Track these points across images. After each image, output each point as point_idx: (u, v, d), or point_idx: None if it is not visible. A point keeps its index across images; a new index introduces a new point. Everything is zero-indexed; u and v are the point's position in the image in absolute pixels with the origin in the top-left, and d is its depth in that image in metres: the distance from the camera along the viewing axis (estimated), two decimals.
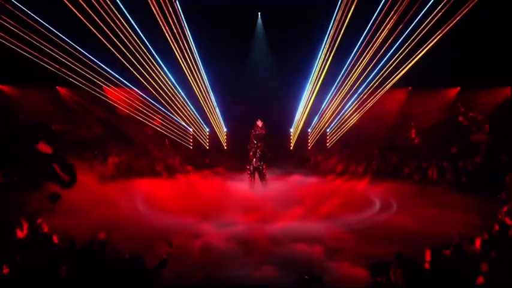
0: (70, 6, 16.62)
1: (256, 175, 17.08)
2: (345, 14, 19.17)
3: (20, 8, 16.74)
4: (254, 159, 16.67)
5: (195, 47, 20.49)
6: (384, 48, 19.18)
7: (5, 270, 9.17)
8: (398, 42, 18.95)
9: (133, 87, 20.29)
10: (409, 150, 20.13)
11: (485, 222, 12.20)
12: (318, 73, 20.89)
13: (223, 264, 10.76)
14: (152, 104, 20.77)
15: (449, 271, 9.50)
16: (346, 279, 10.05)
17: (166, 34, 19.35)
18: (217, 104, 21.92)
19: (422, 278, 9.30)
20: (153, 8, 18.58)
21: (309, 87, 21.43)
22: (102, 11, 17.46)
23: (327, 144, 22.01)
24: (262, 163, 16.66)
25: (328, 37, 20.09)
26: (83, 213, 13.38)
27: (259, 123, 16.93)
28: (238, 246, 11.80)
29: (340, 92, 20.84)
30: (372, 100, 20.71)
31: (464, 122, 20.67)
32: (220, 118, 22.16)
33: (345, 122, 21.49)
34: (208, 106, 21.74)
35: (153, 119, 21.27)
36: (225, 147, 22.27)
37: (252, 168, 16.72)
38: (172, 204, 15.41)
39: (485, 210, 13.41)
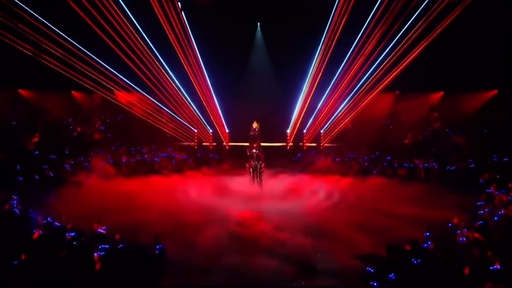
0: (87, 20, 17.13)
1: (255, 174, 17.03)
2: (337, 24, 19.34)
3: (40, 20, 17.10)
4: (252, 159, 16.61)
5: (200, 54, 20.71)
6: (373, 56, 19.36)
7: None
8: (387, 50, 19.17)
9: (143, 92, 20.32)
10: (397, 150, 20.01)
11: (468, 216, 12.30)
12: (313, 78, 20.99)
13: (224, 254, 10.83)
14: (160, 107, 20.82)
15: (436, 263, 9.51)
16: (339, 269, 10.09)
17: (173, 43, 19.55)
18: (220, 107, 21.93)
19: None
20: (160, 19, 18.73)
21: (304, 91, 21.50)
22: (115, 23, 17.92)
23: (321, 145, 21.97)
24: (260, 162, 16.60)
25: (322, 46, 20.32)
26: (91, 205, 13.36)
27: (254, 125, 16.89)
28: (237, 239, 11.84)
29: (334, 96, 20.89)
30: (362, 103, 20.69)
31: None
32: (223, 120, 22.14)
33: (337, 123, 21.46)
34: (211, 109, 21.77)
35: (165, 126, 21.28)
36: (227, 147, 22.24)
37: (251, 168, 16.68)
38: (177, 198, 15.46)
39: (468, 205, 13.48)
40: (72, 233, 10.77)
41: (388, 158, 18.93)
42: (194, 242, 11.47)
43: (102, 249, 9.95)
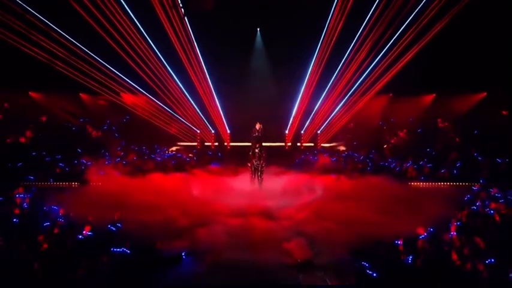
0: (97, 27, 17.57)
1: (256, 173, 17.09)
2: (333, 30, 19.49)
3: (51, 26, 17.55)
4: (254, 159, 16.67)
5: (202, 58, 20.95)
6: (368, 60, 19.61)
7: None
8: (380, 55, 19.41)
9: (149, 95, 20.45)
10: (390, 150, 20.06)
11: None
12: (310, 81, 21.13)
13: (225, 250, 10.86)
14: (165, 109, 20.92)
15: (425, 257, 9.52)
16: (335, 263, 10.16)
17: (177, 48, 19.78)
18: (221, 108, 22.06)
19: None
20: (164, 25, 18.90)
21: (302, 94, 21.62)
22: (122, 30, 18.30)
23: (318, 144, 22.04)
24: (261, 162, 16.68)
25: (319, 50, 20.61)
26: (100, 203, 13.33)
27: (258, 126, 16.94)
28: (238, 235, 11.82)
29: (330, 98, 20.97)
30: (357, 105, 20.76)
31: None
32: (224, 121, 22.22)
33: (333, 124, 21.54)
34: (213, 110, 21.87)
35: (170, 128, 21.42)
36: (228, 147, 22.30)
37: (253, 166, 16.74)
38: (181, 196, 15.33)
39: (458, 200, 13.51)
40: (89, 232, 10.66)
41: (384, 157, 19.03)
42: (196, 238, 11.46)
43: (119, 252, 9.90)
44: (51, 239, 10.14)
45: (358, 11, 18.97)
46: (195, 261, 10.35)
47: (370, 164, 18.78)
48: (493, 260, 8.77)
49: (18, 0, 16.77)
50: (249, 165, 16.97)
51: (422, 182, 16.84)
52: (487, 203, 12.21)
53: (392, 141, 20.31)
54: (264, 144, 17.31)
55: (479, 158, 17.38)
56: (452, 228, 10.50)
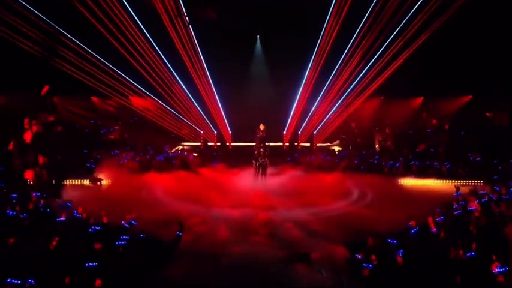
0: (108, 35, 18.10)
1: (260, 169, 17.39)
2: (328, 37, 19.80)
3: (63, 34, 18.00)
4: (259, 157, 16.97)
5: (205, 63, 21.33)
6: (360, 65, 19.98)
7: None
8: (373, 60, 19.78)
9: (156, 98, 20.77)
10: (382, 149, 20.40)
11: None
12: (307, 85, 21.43)
13: (228, 242, 11.06)
14: (171, 111, 21.25)
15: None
16: (330, 255, 10.34)
17: (182, 54, 20.15)
18: (223, 110, 22.41)
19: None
20: (171, 33, 19.20)
21: (299, 96, 21.95)
22: (131, 38, 18.77)
23: (314, 144, 22.34)
24: (266, 160, 17.00)
25: (315, 56, 21.01)
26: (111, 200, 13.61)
27: (261, 126, 17.22)
28: (239, 229, 12.02)
29: (325, 101, 21.29)
30: (351, 107, 21.05)
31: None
32: (226, 122, 22.59)
33: (329, 125, 21.84)
34: (215, 112, 22.20)
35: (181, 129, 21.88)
36: (230, 147, 22.57)
37: (257, 164, 17.05)
38: (185, 193, 15.42)
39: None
40: (97, 227, 10.78)
41: (376, 156, 19.36)
42: (199, 231, 11.69)
43: (123, 240, 10.01)
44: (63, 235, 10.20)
45: (352, 17, 19.30)
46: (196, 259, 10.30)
47: (362, 163, 19.10)
48: (473, 254, 9.09)
49: (35, 10, 17.16)
50: (254, 162, 17.28)
51: (412, 178, 17.19)
52: (463, 203, 12.39)
53: (389, 143, 20.53)
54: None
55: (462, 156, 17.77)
56: (431, 221, 10.80)
